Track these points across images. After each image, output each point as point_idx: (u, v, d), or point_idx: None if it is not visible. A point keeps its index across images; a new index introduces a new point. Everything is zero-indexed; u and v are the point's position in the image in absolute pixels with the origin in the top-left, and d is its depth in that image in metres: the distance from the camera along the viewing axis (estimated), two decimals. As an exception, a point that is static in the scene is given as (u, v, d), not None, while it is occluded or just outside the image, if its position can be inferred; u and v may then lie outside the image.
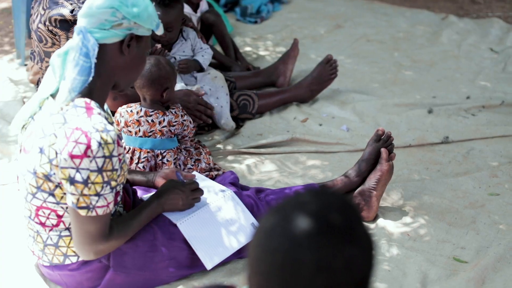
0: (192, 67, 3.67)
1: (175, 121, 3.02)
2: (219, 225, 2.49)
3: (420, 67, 4.69)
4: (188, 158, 3.09)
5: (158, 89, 2.97)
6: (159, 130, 2.99)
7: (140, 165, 2.97)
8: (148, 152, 2.99)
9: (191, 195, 2.47)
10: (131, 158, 2.99)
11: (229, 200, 2.58)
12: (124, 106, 3.05)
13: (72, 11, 2.91)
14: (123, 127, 3.02)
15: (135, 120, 2.99)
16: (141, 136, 2.99)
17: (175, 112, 3.03)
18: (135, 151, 2.99)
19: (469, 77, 4.52)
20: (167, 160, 2.99)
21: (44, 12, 2.91)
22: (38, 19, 2.94)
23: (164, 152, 3.00)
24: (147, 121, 2.98)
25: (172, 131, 3.02)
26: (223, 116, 3.61)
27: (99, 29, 2.09)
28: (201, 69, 3.72)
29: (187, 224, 2.42)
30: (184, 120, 3.05)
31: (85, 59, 2.07)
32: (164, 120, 2.99)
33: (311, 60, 4.70)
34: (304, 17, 5.75)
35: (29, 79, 4.15)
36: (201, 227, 2.44)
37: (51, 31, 2.93)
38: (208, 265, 2.40)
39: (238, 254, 2.51)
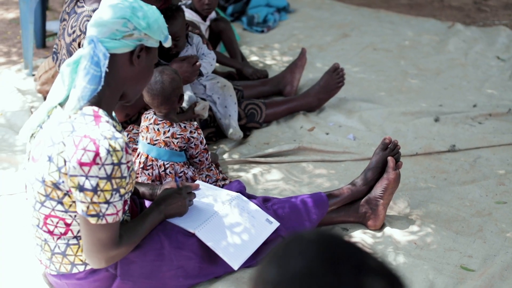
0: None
1: (180, 134, 2.98)
2: (234, 227, 2.51)
3: (426, 75, 4.69)
4: (197, 175, 3.06)
5: (175, 101, 2.99)
6: (162, 140, 2.98)
7: (146, 172, 2.99)
8: (153, 160, 3.01)
9: (188, 197, 2.51)
10: (139, 162, 3.02)
11: (237, 205, 2.60)
12: (148, 110, 3.12)
13: None
14: (140, 131, 3.08)
15: (145, 126, 3.03)
16: (149, 143, 3.02)
17: (184, 126, 3.00)
18: (142, 156, 3.03)
19: (475, 85, 4.52)
20: (170, 172, 2.99)
21: (81, 34, 2.90)
22: (73, 37, 2.92)
23: (167, 163, 3.00)
24: (154, 129, 3.00)
25: (175, 143, 2.99)
26: (231, 125, 3.62)
27: (110, 39, 2.11)
28: (200, 74, 3.70)
29: (204, 231, 2.44)
30: (192, 137, 3.00)
31: (96, 68, 2.09)
32: (169, 131, 2.98)
33: (317, 69, 4.71)
34: (310, 26, 5.76)
35: (36, 89, 4.17)
36: (217, 232, 2.46)
37: None
38: (235, 266, 2.42)
39: (247, 263, 2.52)
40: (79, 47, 2.89)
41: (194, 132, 3.01)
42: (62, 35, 3.06)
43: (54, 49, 3.29)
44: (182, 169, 3.01)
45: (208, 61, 3.68)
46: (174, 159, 3.01)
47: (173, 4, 3.53)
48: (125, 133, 3.17)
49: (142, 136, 3.05)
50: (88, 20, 2.89)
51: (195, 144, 3.02)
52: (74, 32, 2.94)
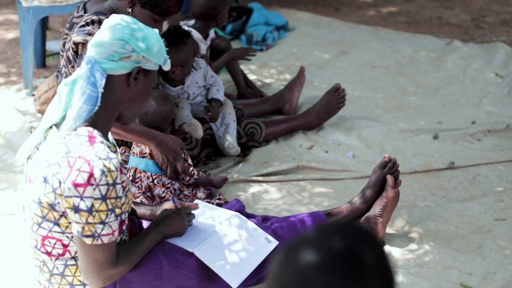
0: (218, 110, 3.65)
1: None
2: (233, 246, 2.51)
3: (425, 92, 4.70)
4: (184, 186, 3.15)
5: (166, 127, 3.21)
6: (149, 153, 3.11)
7: (136, 185, 3.09)
8: (141, 172, 3.11)
9: (187, 218, 2.50)
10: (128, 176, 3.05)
11: (236, 224, 2.60)
12: None
13: None
14: (132, 148, 3.21)
15: (136, 142, 3.14)
16: (138, 157, 3.14)
17: None
18: (131, 170, 3.14)
19: (474, 102, 4.53)
20: (157, 183, 3.09)
21: (72, 34, 2.96)
22: (70, 43, 2.97)
23: (154, 175, 3.10)
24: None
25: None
26: (228, 139, 3.61)
27: (108, 60, 2.12)
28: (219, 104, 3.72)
29: (203, 250, 2.44)
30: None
31: (92, 88, 2.10)
32: None
33: (316, 87, 4.72)
34: (309, 44, 5.78)
35: (36, 109, 4.19)
36: (216, 251, 2.46)
37: (77, 54, 2.95)
38: (234, 285, 2.41)
39: (246, 282, 2.51)
40: (72, 48, 2.92)
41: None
42: (63, 50, 3.11)
43: (58, 68, 3.32)
44: (169, 181, 3.11)
45: (222, 90, 3.72)
46: (162, 171, 3.12)
47: (182, 30, 3.53)
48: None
49: (133, 152, 3.16)
50: (84, 25, 2.91)
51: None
52: (70, 40, 2.97)
